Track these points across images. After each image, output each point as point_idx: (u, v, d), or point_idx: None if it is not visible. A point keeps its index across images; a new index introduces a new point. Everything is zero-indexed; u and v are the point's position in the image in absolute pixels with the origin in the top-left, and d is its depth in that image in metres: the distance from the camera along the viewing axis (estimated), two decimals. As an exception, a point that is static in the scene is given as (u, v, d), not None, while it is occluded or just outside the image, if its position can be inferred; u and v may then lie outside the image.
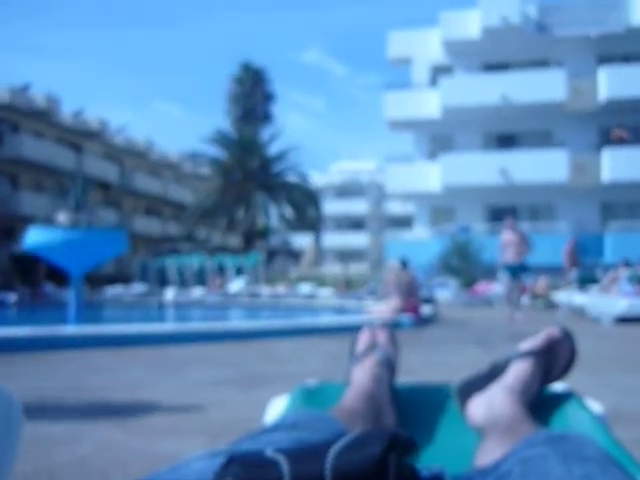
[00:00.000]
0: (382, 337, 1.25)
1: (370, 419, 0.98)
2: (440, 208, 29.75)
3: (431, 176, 28.48)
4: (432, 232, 28.93)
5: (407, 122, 29.92)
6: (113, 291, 24.59)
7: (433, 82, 29.75)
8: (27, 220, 21.23)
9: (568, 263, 17.59)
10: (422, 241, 28.09)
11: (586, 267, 17.98)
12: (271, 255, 36.95)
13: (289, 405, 1.16)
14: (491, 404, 1.01)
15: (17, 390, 1.67)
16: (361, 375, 1.12)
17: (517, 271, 11.70)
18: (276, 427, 0.79)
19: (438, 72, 29.75)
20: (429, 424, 1.12)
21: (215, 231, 37.67)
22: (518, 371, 1.07)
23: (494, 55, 29.19)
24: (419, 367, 5.30)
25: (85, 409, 3.82)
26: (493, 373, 1.10)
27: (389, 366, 1.18)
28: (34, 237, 10.35)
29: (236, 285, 24.64)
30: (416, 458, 0.59)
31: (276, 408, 1.20)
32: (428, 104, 28.99)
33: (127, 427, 3.33)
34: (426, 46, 30.42)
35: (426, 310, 12.07)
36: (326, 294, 22.90)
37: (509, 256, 11.60)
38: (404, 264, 11.94)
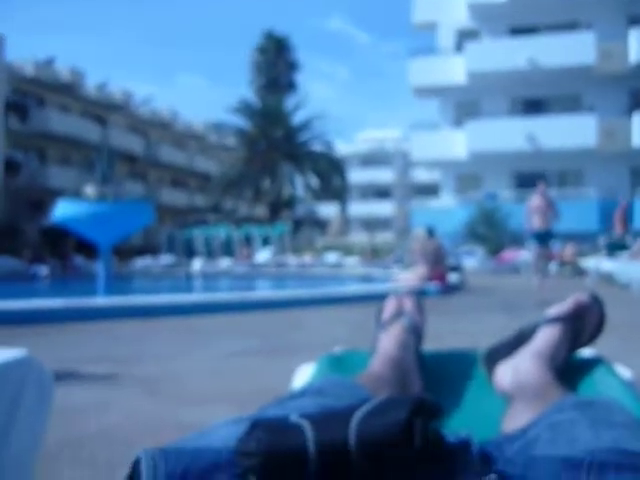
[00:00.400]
0: (408, 304, 1.24)
1: (396, 386, 0.98)
2: (466, 175, 29.47)
3: (457, 143, 28.18)
4: (458, 200, 28.71)
5: (432, 89, 29.55)
6: (141, 262, 24.82)
7: (459, 47, 29.28)
8: (55, 194, 21.46)
9: (619, 228, 17.27)
10: (448, 209, 27.91)
11: (636, 232, 17.61)
12: (297, 225, 36.99)
13: (316, 372, 1.17)
14: (518, 370, 1.00)
15: (49, 360, 1.71)
16: (387, 342, 1.12)
17: (544, 238, 11.57)
18: (302, 393, 0.79)
19: (464, 37, 29.26)
20: (456, 390, 1.12)
21: (241, 202, 37.75)
22: (546, 337, 1.06)
23: (521, 18, 28.59)
24: (446, 334, 5.30)
25: (114, 378, 3.88)
26: (520, 339, 1.09)
27: (415, 333, 1.17)
28: (62, 210, 10.47)
29: (263, 255, 24.75)
30: (442, 424, 0.59)
31: (303, 375, 1.20)
32: (454, 70, 28.58)
33: (155, 396, 3.38)
34: (452, 10, 29.89)
35: (453, 278, 12.04)
36: (352, 263, 22.92)
37: (536, 223, 11.48)
38: (430, 232, 11.88)
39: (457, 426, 0.92)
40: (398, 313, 1.20)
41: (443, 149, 28.71)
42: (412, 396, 0.56)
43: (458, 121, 29.11)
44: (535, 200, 11.52)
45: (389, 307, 1.23)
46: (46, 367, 1.67)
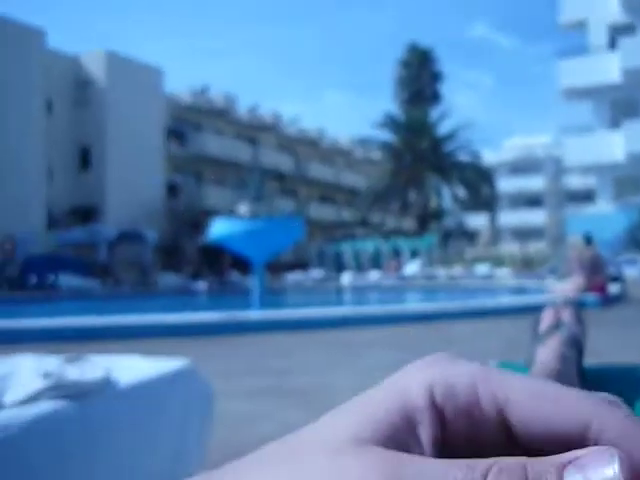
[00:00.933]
0: (567, 315, 1.18)
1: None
2: (625, 179, 27.78)
3: (614, 145, 26.66)
4: (617, 205, 27.11)
5: (584, 90, 28.19)
6: (292, 277, 25.49)
7: (612, 44, 27.75)
8: (211, 213, 22.61)
9: None
10: (606, 215, 26.41)
11: None
12: (446, 236, 36.49)
13: (470, 386, 1.14)
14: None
15: (208, 371, 1.79)
16: (545, 355, 1.06)
17: None
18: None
19: (617, 32, 27.69)
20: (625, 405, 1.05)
21: (388, 215, 37.84)
22: None
23: (683, 8, 26.67)
24: (607, 349, 5.01)
25: (270, 389, 4.00)
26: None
27: (575, 345, 1.11)
28: (218, 229, 10.99)
29: (411, 268, 24.63)
30: None
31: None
32: (607, 68, 27.11)
33: (310, 408, 3.44)
34: (603, 5, 28.42)
35: (613, 289, 11.37)
36: (504, 274, 22.27)
37: None
38: (588, 240, 11.31)
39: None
40: (556, 324, 1.15)
41: (599, 152, 27.26)
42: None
43: (614, 122, 27.54)
44: None
45: (546, 318, 1.18)
46: (207, 377, 1.75)
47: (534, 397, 0.24)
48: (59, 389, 1.24)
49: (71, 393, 1.26)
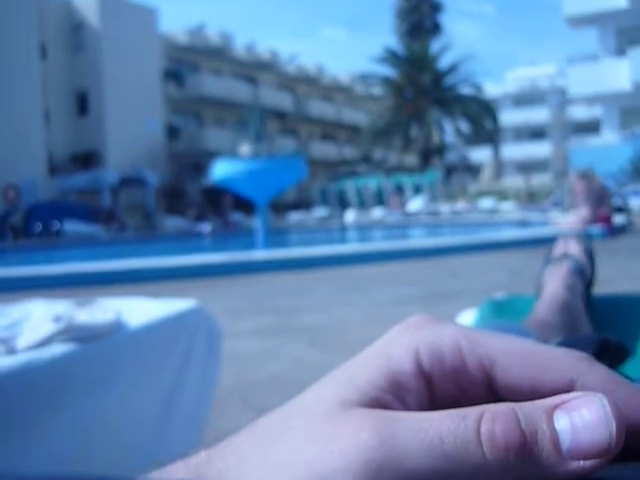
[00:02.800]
0: (575, 246, 1.17)
1: (565, 331, 0.93)
2: (631, 109, 27.40)
3: (620, 74, 26.19)
4: (623, 136, 26.83)
5: (590, 16, 27.54)
6: (296, 216, 25.49)
7: (618, -31, 26.97)
8: (212, 155, 22.46)
9: None
10: (611, 146, 26.16)
11: None
12: (449, 171, 36.33)
13: (478, 318, 1.14)
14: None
15: (215, 311, 1.80)
16: (554, 285, 1.06)
17: None
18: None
19: (624, -44, 26.89)
20: (629, 337, 1.06)
21: (391, 151, 37.58)
22: None
23: None
24: (613, 279, 5.03)
25: (278, 328, 4.05)
26: None
27: (583, 276, 1.11)
28: (220, 170, 10.94)
29: (415, 204, 24.58)
30: (626, 367, 0.55)
31: (465, 321, 1.19)
32: (613, -6, 26.42)
33: (319, 344, 3.49)
34: None
35: (618, 220, 11.35)
36: (508, 208, 22.23)
37: None
38: (591, 171, 11.23)
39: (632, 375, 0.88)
40: (564, 255, 1.14)
41: (604, 82, 26.81)
42: (596, 336, 0.52)
43: (620, 50, 27.00)
44: None
45: (556, 250, 1.18)
46: (215, 317, 1.77)
47: (519, 358, 0.24)
48: (70, 332, 1.25)
49: (82, 336, 1.27)
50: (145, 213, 23.67)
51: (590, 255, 1.17)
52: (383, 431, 0.22)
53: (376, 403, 0.24)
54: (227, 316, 4.30)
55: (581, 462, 0.21)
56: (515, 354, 0.24)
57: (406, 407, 0.24)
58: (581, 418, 0.21)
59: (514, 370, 0.24)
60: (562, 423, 0.22)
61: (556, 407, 0.22)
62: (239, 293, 5.80)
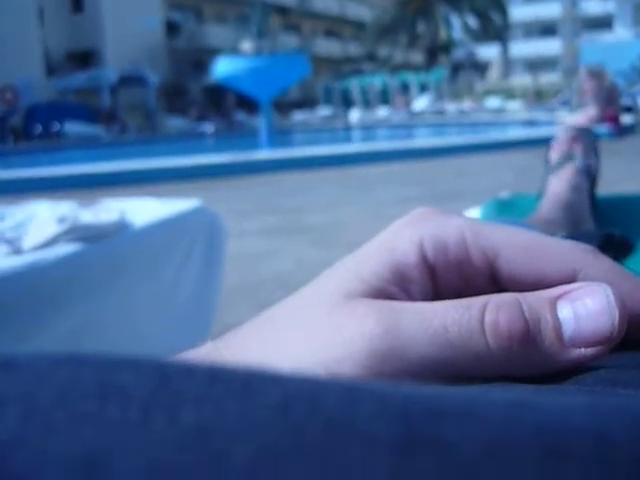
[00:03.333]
0: (581, 145, 1.16)
1: (569, 228, 0.94)
2: (646, 2, 26.47)
3: (636, -35, 25.16)
4: (635, 32, 26.05)
5: None
6: (300, 115, 25.17)
7: None
8: (214, 52, 21.94)
9: None
10: (623, 43, 25.44)
11: None
12: (456, 69, 35.48)
13: (482, 216, 1.15)
14: None
15: (219, 211, 1.81)
16: (558, 184, 1.06)
17: None
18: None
19: None
20: (634, 235, 1.06)
21: (396, 48, 36.64)
22: None
23: None
24: (619, 179, 4.99)
25: (282, 227, 4.07)
26: None
27: (588, 175, 1.10)
28: (222, 67, 10.72)
29: (421, 102, 24.20)
30: (630, 262, 0.56)
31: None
32: None
33: (323, 243, 3.52)
34: None
35: (627, 119, 11.19)
36: (515, 107, 21.89)
37: None
38: (601, 69, 10.97)
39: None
40: (569, 154, 1.13)
41: (619, -27, 25.79)
42: (600, 230, 0.53)
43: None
44: None
45: (559, 147, 1.16)
46: (218, 215, 1.78)
47: (523, 249, 0.24)
48: (75, 232, 1.26)
49: (87, 236, 1.27)
50: (146, 113, 23.35)
51: (595, 152, 1.16)
52: (388, 320, 0.22)
53: (380, 294, 0.24)
54: (231, 216, 4.31)
55: (583, 350, 0.21)
56: (519, 245, 0.24)
57: (410, 298, 0.24)
58: (584, 307, 0.21)
59: (518, 261, 0.24)
60: (565, 312, 0.22)
61: (559, 297, 0.22)
62: (243, 193, 5.80)
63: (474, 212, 1.20)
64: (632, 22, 26.70)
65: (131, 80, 23.91)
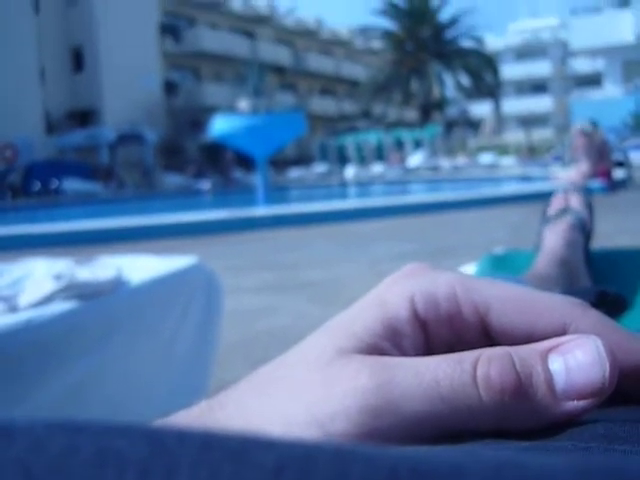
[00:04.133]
0: (575, 200, 1.17)
1: (564, 284, 0.94)
2: (634, 61, 27.06)
3: (622, 26, 25.82)
4: (625, 89, 26.56)
5: (593, -33, 27.03)
6: (296, 172, 25.39)
7: None
8: (211, 110, 22.30)
9: None
10: (613, 100, 25.91)
11: None
12: (449, 126, 36.05)
13: (478, 272, 1.15)
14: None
15: (216, 267, 1.81)
16: (553, 240, 1.06)
17: None
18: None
19: None
20: (628, 291, 1.06)
21: (391, 106, 37.26)
22: None
23: None
24: (613, 234, 5.03)
25: (280, 283, 4.07)
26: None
27: (583, 230, 1.11)
28: (219, 126, 10.86)
29: (415, 159, 24.47)
30: (625, 319, 0.56)
31: (463, 275, 1.18)
32: (618, -57, 25.90)
33: (320, 300, 3.51)
34: None
35: (619, 174, 11.31)
36: (508, 163, 22.13)
37: None
38: (593, 125, 11.15)
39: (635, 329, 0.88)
40: (564, 209, 1.14)
41: (607, 34, 26.44)
42: (594, 287, 0.53)
43: (623, 1, 26.57)
44: None
45: (555, 203, 1.17)
46: (215, 273, 1.78)
47: (514, 303, 0.24)
48: (71, 290, 1.26)
49: (83, 293, 1.27)
50: (144, 170, 23.56)
51: (590, 208, 1.17)
52: (380, 376, 0.22)
53: (373, 350, 0.24)
54: (228, 273, 4.31)
55: (575, 402, 0.21)
56: (510, 300, 0.24)
57: (402, 353, 0.24)
58: (575, 359, 0.22)
59: (509, 315, 0.24)
60: (556, 365, 0.22)
61: (550, 350, 0.22)
62: (240, 250, 5.81)
63: (469, 268, 1.20)
64: (621, 79, 27.24)
65: (129, 138, 24.19)
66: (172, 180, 21.66)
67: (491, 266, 1.16)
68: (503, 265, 1.16)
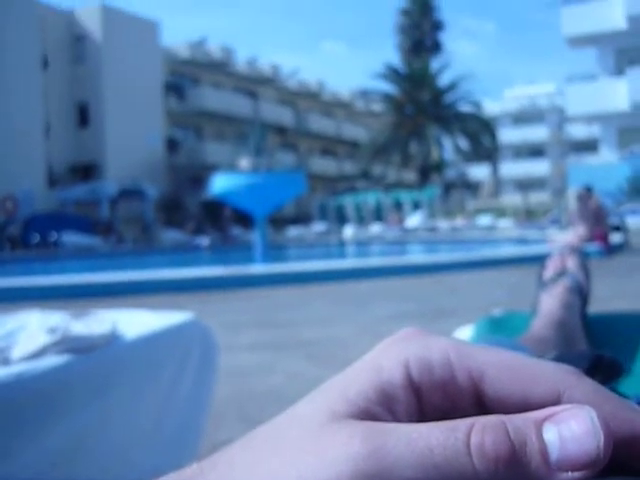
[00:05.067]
0: (572, 263, 1.17)
1: (560, 347, 0.93)
2: (629, 128, 27.52)
3: (618, 94, 26.34)
4: (620, 155, 26.94)
5: (589, 37, 27.73)
6: (295, 231, 25.47)
7: (617, -10, 27.22)
8: (212, 168, 22.51)
9: None
10: (609, 165, 26.24)
11: None
12: (447, 188, 36.39)
13: (474, 335, 1.14)
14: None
15: (213, 324, 1.80)
16: (550, 302, 1.06)
17: None
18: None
19: (623, -22, 27.15)
20: (625, 355, 1.05)
21: (390, 167, 37.68)
22: None
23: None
24: (610, 297, 5.02)
25: (277, 342, 4.03)
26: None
27: (580, 293, 1.11)
28: (220, 183, 10.95)
29: (414, 220, 24.60)
30: (621, 384, 0.55)
31: (461, 337, 1.18)
32: (612, 15, 26.64)
33: (317, 359, 3.47)
34: (608, -50, 27.79)
35: (615, 238, 11.37)
36: (506, 225, 22.24)
37: None
38: (589, 190, 11.26)
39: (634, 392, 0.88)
40: (561, 272, 1.14)
41: (602, 101, 26.95)
42: (590, 351, 0.52)
43: (619, 70, 27.16)
44: None
45: (551, 265, 1.17)
46: (211, 329, 1.76)
47: (508, 371, 0.24)
48: (65, 343, 1.25)
49: (77, 347, 1.26)
50: (143, 225, 23.65)
51: (586, 271, 1.17)
52: (373, 442, 0.22)
53: (366, 414, 0.24)
54: (225, 330, 4.28)
55: (569, 473, 0.21)
56: (504, 367, 0.24)
57: (396, 418, 0.24)
58: (569, 430, 0.21)
59: (503, 383, 0.24)
60: (550, 435, 0.22)
61: (545, 419, 0.22)
62: (237, 307, 5.79)
63: (467, 330, 1.20)
64: (617, 145, 27.63)
65: (130, 193, 24.36)
66: (171, 236, 21.71)
67: (489, 328, 1.15)
68: (500, 327, 1.15)
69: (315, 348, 3.78)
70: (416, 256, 11.34)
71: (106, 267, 9.46)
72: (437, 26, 40.97)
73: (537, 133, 52.84)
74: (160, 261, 12.16)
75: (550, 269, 1.16)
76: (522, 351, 0.81)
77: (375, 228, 24.31)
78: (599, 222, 10.68)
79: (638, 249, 11.10)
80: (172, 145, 32.39)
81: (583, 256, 1.21)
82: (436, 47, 40.82)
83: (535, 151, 53.18)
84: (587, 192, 11.14)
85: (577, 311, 1.06)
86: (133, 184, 25.04)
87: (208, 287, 6.79)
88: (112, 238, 20.42)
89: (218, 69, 36.48)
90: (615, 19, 26.60)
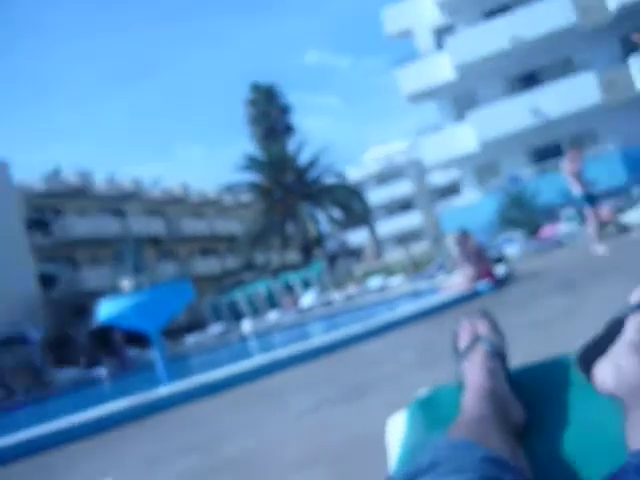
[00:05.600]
0: (482, 327, 1.17)
1: (499, 419, 0.91)
2: (483, 166, 29.28)
3: (465, 137, 28.08)
4: (482, 192, 28.49)
5: (425, 92, 29.59)
6: (192, 338, 24.90)
7: (439, 45, 29.35)
8: (94, 295, 21.77)
9: None
10: (475, 203, 27.68)
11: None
12: (332, 260, 36.98)
13: (409, 420, 1.10)
14: (618, 367, 0.91)
15: (137, 460, 1.66)
16: (474, 373, 1.04)
17: (592, 200, 11.42)
18: (416, 474, 0.71)
19: (441, 34, 29.35)
20: (557, 403, 1.04)
21: (272, 252, 37.92)
22: (637, 325, 0.96)
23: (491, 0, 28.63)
24: (515, 331, 5.14)
25: (206, 466, 3.81)
26: (612, 333, 1.00)
27: (500, 356, 1.10)
28: (106, 310, 10.57)
29: (307, 299, 24.67)
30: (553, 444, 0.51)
31: (396, 427, 1.13)
32: (441, 68, 28.62)
33: (252, 475, 3.30)
34: (422, 12, 30.05)
35: (500, 270, 11.85)
36: (397, 282, 22.73)
37: (579, 186, 11.28)
38: (465, 233, 11.75)
39: (568, 441, 0.86)
40: (475, 338, 1.13)
41: (453, 146, 28.61)
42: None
43: (460, 116, 29.05)
44: (570, 165, 11.31)
45: (464, 334, 1.16)
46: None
47: None
48: None
49: None
50: (33, 372, 22.32)
51: (498, 330, 1.17)
52: None
53: None
54: (145, 465, 4.00)
55: None
56: None
57: None
58: None
59: None
60: None
61: None
62: (155, 435, 5.46)
63: (400, 418, 1.15)
64: (477, 183, 29.26)
65: (13, 341, 23.10)
66: (65, 375, 20.57)
67: (421, 412, 1.11)
68: (432, 407, 1.12)
69: (246, 461, 3.60)
70: (319, 337, 11.28)
71: None
72: (284, 110, 42.46)
73: (402, 188, 55.18)
74: (59, 406, 11.43)
75: (463, 337, 1.15)
76: (476, 451, 0.76)
77: (272, 316, 24.16)
78: (482, 260, 11.11)
79: (521, 277, 11.60)
80: (47, 280, 31.19)
81: (491, 316, 1.21)
82: (288, 130, 42.19)
83: (404, 205, 55.37)
84: (464, 235, 11.61)
85: (501, 374, 1.05)
86: (13, 330, 23.76)
87: (116, 423, 6.39)
88: (1, 393, 19.09)
89: (79, 195, 35.87)
90: (445, 71, 28.61)
